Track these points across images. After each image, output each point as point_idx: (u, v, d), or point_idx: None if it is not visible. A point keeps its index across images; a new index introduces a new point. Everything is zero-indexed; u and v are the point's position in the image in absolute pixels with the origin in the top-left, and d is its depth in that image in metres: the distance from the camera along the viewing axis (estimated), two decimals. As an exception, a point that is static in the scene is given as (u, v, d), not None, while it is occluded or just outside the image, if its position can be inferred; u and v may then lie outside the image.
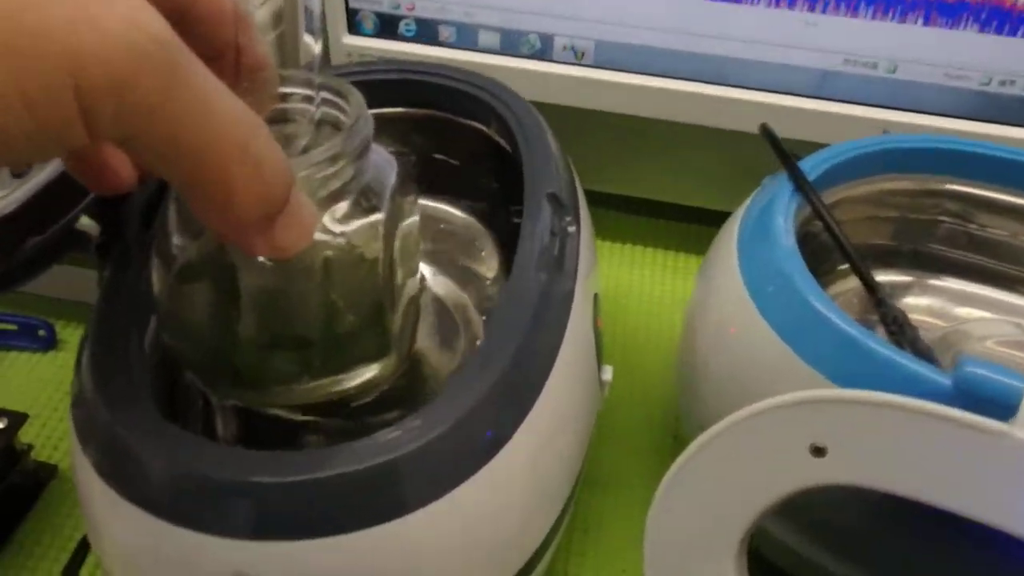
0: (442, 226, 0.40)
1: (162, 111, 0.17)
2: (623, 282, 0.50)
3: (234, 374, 0.27)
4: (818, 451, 0.26)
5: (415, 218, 0.31)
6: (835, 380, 0.28)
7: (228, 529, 0.23)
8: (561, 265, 0.31)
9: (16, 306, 0.46)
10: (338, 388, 0.28)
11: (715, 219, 0.51)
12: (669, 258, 0.51)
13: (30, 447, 0.38)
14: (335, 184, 0.26)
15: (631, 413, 0.43)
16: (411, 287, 0.31)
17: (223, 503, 0.23)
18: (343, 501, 0.23)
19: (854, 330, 0.28)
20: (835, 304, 0.29)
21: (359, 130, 0.26)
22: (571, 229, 0.32)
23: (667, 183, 0.49)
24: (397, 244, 0.28)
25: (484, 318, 0.37)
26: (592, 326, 0.33)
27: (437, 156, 0.40)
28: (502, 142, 0.37)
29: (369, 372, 0.28)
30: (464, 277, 0.39)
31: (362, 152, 0.26)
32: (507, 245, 0.39)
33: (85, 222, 0.28)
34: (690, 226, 0.53)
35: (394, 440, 0.24)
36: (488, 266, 0.39)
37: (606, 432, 0.42)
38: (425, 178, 0.39)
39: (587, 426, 0.32)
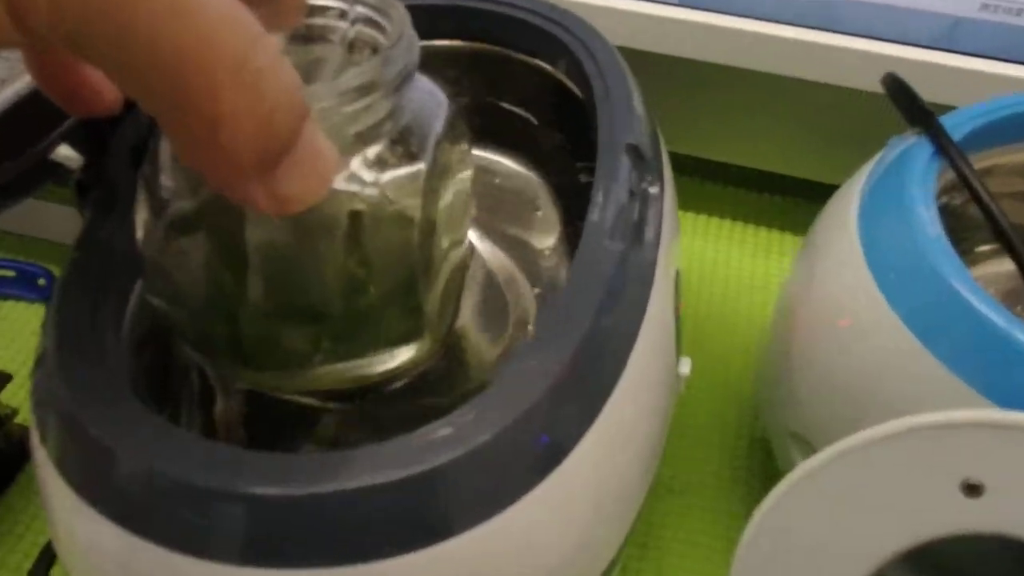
0: (496, 180, 0.35)
1: (120, 2, 0.13)
2: (695, 258, 0.44)
3: (235, 349, 0.23)
4: (972, 489, 0.20)
5: (467, 173, 0.26)
6: (986, 393, 0.23)
7: (217, 551, 0.18)
8: (641, 233, 0.25)
9: (15, 251, 0.42)
10: (357, 374, 0.23)
11: (814, 192, 0.45)
12: (749, 233, 0.45)
13: (15, 411, 0.34)
14: (367, 121, 0.21)
15: (701, 408, 0.38)
16: (455, 256, 0.25)
17: (210, 518, 0.18)
18: (366, 521, 0.18)
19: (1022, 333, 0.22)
20: (992, 297, 0.23)
21: (400, 54, 0.21)
22: (653, 190, 0.27)
23: (759, 147, 0.43)
24: (442, 204, 0.23)
25: (537, 292, 0.31)
26: (673, 309, 0.27)
27: (491, 99, 0.34)
28: (571, 85, 0.31)
29: (395, 359, 0.23)
30: (515, 243, 0.33)
31: (403, 82, 0.21)
32: (569, 208, 0.33)
33: (64, 152, 0.23)
34: (775, 197, 0.47)
35: (439, 442, 0.19)
36: (545, 231, 0.34)
37: (671, 428, 0.36)
38: (476, 123, 0.34)
39: (662, 430, 0.27)
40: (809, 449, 0.28)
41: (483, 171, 0.35)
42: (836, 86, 0.37)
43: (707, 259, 0.44)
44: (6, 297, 0.41)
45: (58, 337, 0.20)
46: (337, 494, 0.18)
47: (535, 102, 0.34)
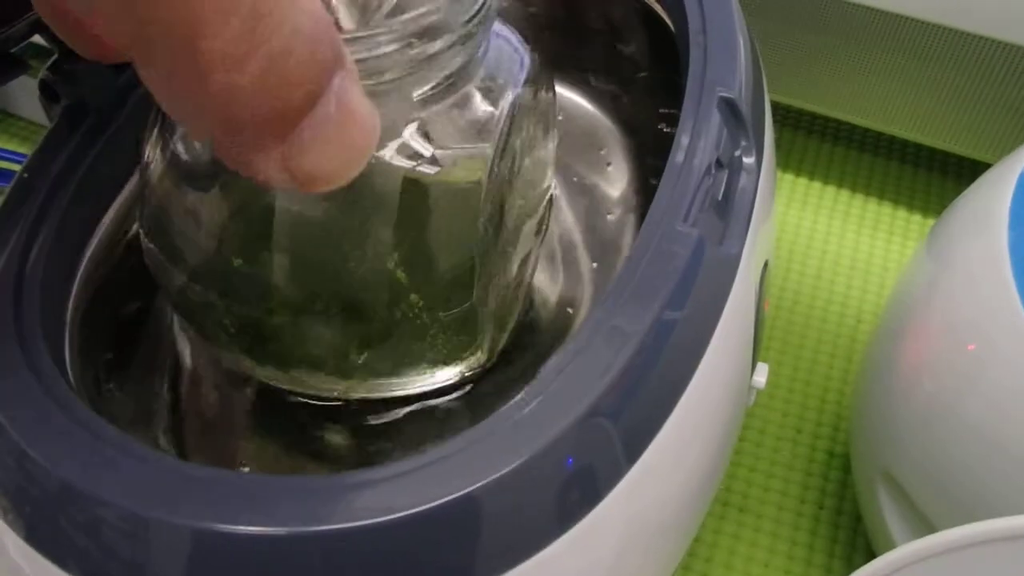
0: (559, 117, 0.30)
1: None
2: (788, 228, 0.39)
3: (245, 336, 0.19)
4: None
5: (550, 147, 0.22)
6: None
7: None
8: (726, 216, 0.21)
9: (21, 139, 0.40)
10: (396, 391, 0.20)
11: (954, 168, 0.39)
12: (862, 204, 0.40)
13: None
14: (430, 78, 0.17)
15: (774, 416, 0.33)
16: (527, 238, 0.22)
17: (136, 552, 0.15)
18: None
19: None
20: None
21: None
22: (748, 160, 0.22)
23: (894, 107, 0.37)
24: (517, 184, 0.20)
25: (595, 266, 0.27)
26: (755, 312, 0.23)
27: (564, 14, 0.30)
28: (662, 13, 0.27)
29: (442, 376, 0.20)
30: (575, 195, 0.29)
31: (478, 28, 0.18)
32: (645, 161, 0.29)
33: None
34: (904, 166, 0.41)
35: (444, 474, 0.16)
36: (612, 185, 0.29)
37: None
38: (544, 50, 0.29)
39: (726, 453, 0.23)
40: (904, 500, 0.24)
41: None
42: (1002, 42, 0.31)
43: (803, 230, 0.39)
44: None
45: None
46: (311, 537, 0.15)
47: (617, 28, 0.29)
